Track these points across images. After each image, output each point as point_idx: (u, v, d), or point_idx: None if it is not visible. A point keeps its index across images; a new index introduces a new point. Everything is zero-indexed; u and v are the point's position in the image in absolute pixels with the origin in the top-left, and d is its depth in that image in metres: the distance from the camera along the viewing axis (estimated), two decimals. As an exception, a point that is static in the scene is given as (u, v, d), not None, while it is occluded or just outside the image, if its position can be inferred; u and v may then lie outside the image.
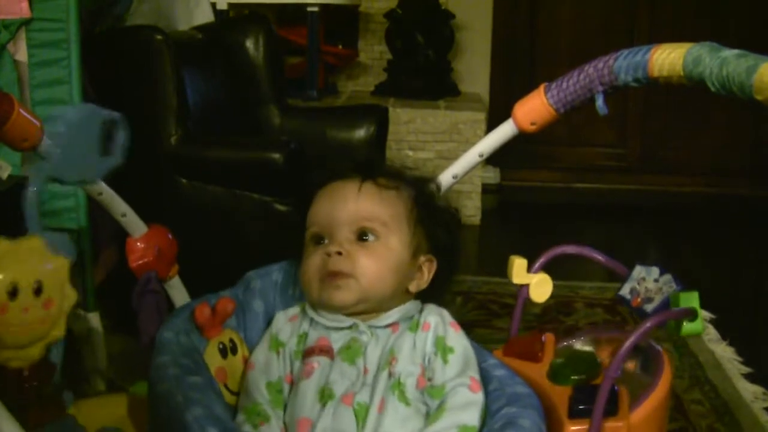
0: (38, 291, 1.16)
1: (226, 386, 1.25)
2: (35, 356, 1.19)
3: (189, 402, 1.07)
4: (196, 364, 1.20)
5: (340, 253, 1.24)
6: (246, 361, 1.29)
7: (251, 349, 1.32)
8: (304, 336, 1.27)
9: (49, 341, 1.21)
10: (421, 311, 1.28)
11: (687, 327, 1.28)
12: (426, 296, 1.32)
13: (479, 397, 1.17)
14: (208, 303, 1.29)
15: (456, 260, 1.36)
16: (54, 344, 1.23)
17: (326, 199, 1.29)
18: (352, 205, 1.26)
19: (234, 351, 1.29)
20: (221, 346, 1.28)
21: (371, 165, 1.33)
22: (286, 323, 1.30)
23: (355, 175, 1.29)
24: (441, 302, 1.33)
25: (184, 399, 1.08)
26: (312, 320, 1.28)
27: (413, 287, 1.30)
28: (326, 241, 1.26)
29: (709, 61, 1.13)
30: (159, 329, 1.24)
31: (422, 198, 1.32)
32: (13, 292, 1.13)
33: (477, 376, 1.20)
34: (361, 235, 1.25)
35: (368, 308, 1.25)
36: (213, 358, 1.26)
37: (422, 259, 1.30)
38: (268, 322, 1.34)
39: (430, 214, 1.31)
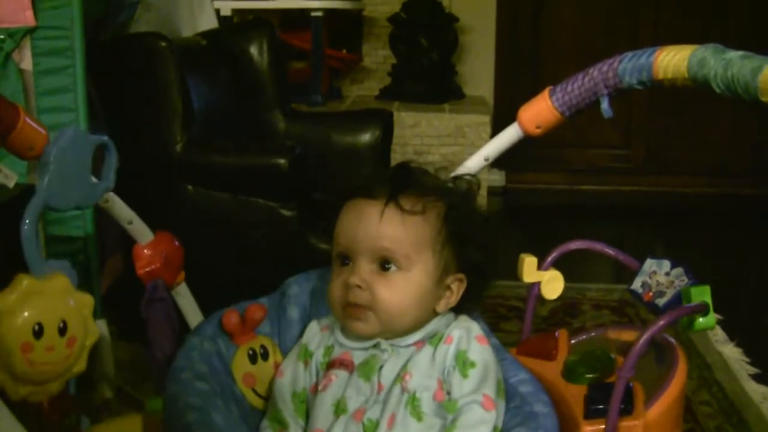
0: (63, 330, 1.16)
1: (254, 391, 1.29)
2: (55, 391, 1.19)
3: (187, 407, 1.11)
4: (211, 369, 1.23)
5: (359, 286, 1.21)
6: (277, 367, 1.31)
7: (285, 356, 1.33)
8: (330, 348, 1.27)
9: (70, 377, 1.21)
10: (449, 324, 1.25)
11: (700, 322, 1.28)
12: (458, 308, 1.29)
13: (491, 415, 1.15)
14: (238, 310, 1.31)
15: (489, 274, 1.31)
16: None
17: (349, 219, 1.24)
18: (373, 232, 1.21)
19: (265, 357, 1.32)
20: (251, 352, 1.30)
21: (400, 181, 1.25)
22: (317, 333, 1.30)
23: (381, 192, 1.23)
24: (473, 312, 1.31)
25: (184, 404, 1.12)
26: (337, 338, 1.28)
27: (441, 308, 1.26)
28: (350, 263, 1.23)
29: (713, 62, 1.13)
30: (172, 341, 1.26)
31: (454, 214, 1.25)
32: (39, 332, 1.13)
33: (492, 393, 1.17)
34: (383, 264, 1.21)
35: (391, 336, 1.23)
36: (242, 364, 1.29)
37: (450, 279, 1.25)
38: (303, 329, 1.34)
39: (460, 232, 1.25)
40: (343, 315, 1.23)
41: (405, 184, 1.24)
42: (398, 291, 1.21)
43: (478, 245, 1.28)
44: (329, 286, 1.26)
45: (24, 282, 1.12)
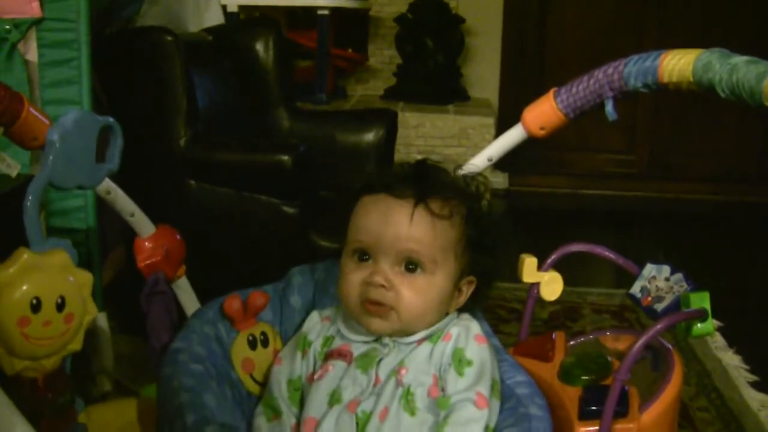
0: (61, 305, 1.16)
1: (252, 376, 1.31)
2: (50, 367, 1.19)
3: (181, 387, 1.14)
4: (209, 352, 1.25)
5: (384, 286, 1.20)
6: (276, 355, 1.33)
7: (285, 343, 1.35)
8: (330, 339, 1.27)
9: (66, 354, 1.21)
10: (450, 322, 1.26)
11: (697, 328, 1.28)
12: (461, 308, 1.30)
13: (483, 413, 1.15)
14: (241, 296, 1.33)
15: (495, 276, 1.32)
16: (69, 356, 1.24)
17: (374, 216, 1.23)
18: (403, 233, 1.20)
19: (265, 343, 1.34)
20: (251, 338, 1.32)
21: (424, 180, 1.25)
22: (318, 323, 1.30)
23: (406, 192, 1.22)
24: (477, 312, 1.32)
25: (178, 385, 1.14)
26: (339, 330, 1.28)
27: (451, 309, 1.27)
28: (369, 260, 1.22)
29: (719, 67, 1.13)
30: (170, 333, 1.27)
31: (473, 217, 1.26)
32: (37, 306, 1.13)
33: (486, 392, 1.17)
34: (408, 265, 1.21)
35: (402, 334, 1.24)
36: (241, 349, 1.31)
37: (463, 282, 1.27)
38: (305, 318, 1.34)
39: (477, 238, 1.26)
40: (361, 311, 1.22)
41: (430, 184, 1.24)
42: (422, 293, 1.21)
43: (491, 249, 1.29)
44: (343, 280, 1.25)
45: (24, 255, 1.12)
